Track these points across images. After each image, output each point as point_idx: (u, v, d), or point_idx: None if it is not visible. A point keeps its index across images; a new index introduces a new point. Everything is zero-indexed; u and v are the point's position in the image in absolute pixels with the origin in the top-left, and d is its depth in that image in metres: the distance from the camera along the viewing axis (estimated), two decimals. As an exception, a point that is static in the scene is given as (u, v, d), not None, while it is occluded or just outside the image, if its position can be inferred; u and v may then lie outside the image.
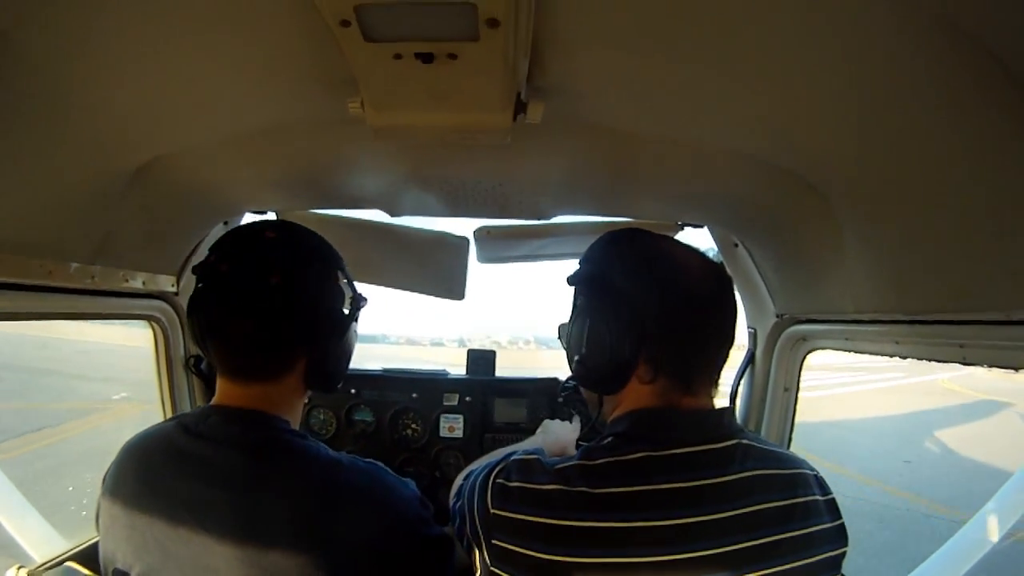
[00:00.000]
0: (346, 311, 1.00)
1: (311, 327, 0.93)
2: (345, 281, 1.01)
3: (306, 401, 1.09)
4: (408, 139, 0.96)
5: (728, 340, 0.89)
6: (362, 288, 1.07)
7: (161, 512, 0.84)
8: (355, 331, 1.04)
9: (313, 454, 0.90)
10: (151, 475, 0.88)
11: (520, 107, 0.86)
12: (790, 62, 0.74)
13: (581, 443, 0.89)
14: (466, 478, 0.98)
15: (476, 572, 0.89)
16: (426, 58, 0.71)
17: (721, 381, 0.93)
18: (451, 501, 1.00)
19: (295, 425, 0.98)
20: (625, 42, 0.76)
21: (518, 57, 0.73)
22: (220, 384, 0.95)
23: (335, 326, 0.97)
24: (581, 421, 2.01)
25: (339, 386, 1.06)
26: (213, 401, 0.95)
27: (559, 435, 1.59)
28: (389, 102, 0.85)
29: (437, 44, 0.70)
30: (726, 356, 0.90)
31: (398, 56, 0.72)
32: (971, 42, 0.60)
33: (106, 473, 0.94)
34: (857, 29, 0.65)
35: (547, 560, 0.78)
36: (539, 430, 1.61)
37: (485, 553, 0.85)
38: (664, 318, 0.84)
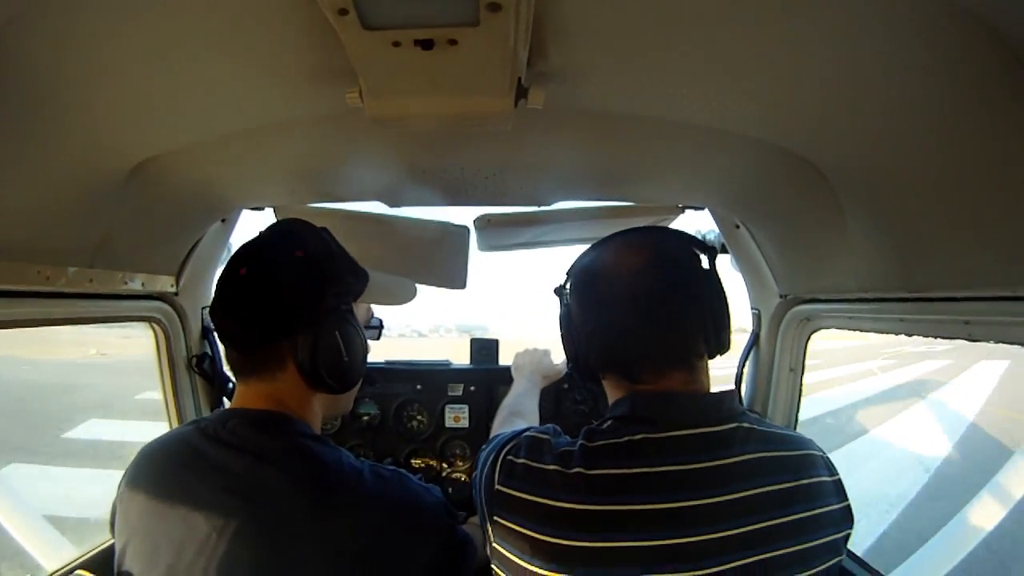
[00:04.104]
0: (333, 301, 0.96)
1: (285, 316, 0.91)
2: (341, 270, 1.00)
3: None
4: (408, 127, 0.94)
5: (677, 326, 0.89)
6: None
7: (179, 519, 0.83)
8: (351, 324, 0.98)
9: (335, 463, 0.89)
10: (169, 481, 0.88)
11: (521, 92, 0.85)
12: (790, 42, 0.73)
13: (591, 420, 0.90)
14: (486, 445, 1.00)
15: (486, 547, 0.90)
16: (426, 45, 0.70)
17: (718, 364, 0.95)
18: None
19: (316, 428, 0.98)
20: (626, 25, 0.74)
21: (519, 42, 0.71)
22: (236, 387, 0.98)
23: (316, 315, 0.93)
24: (588, 403, 2.05)
25: (347, 386, 1.01)
26: (232, 404, 0.96)
27: (533, 364, 1.72)
28: (388, 91, 0.83)
29: (437, 30, 0.68)
30: (689, 339, 0.90)
31: (397, 43, 0.70)
32: (971, 16, 0.59)
33: (122, 477, 0.93)
34: (856, 7, 0.64)
35: (543, 541, 0.78)
36: (513, 372, 1.74)
37: (489, 528, 0.86)
38: (592, 324, 0.95)
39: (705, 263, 0.94)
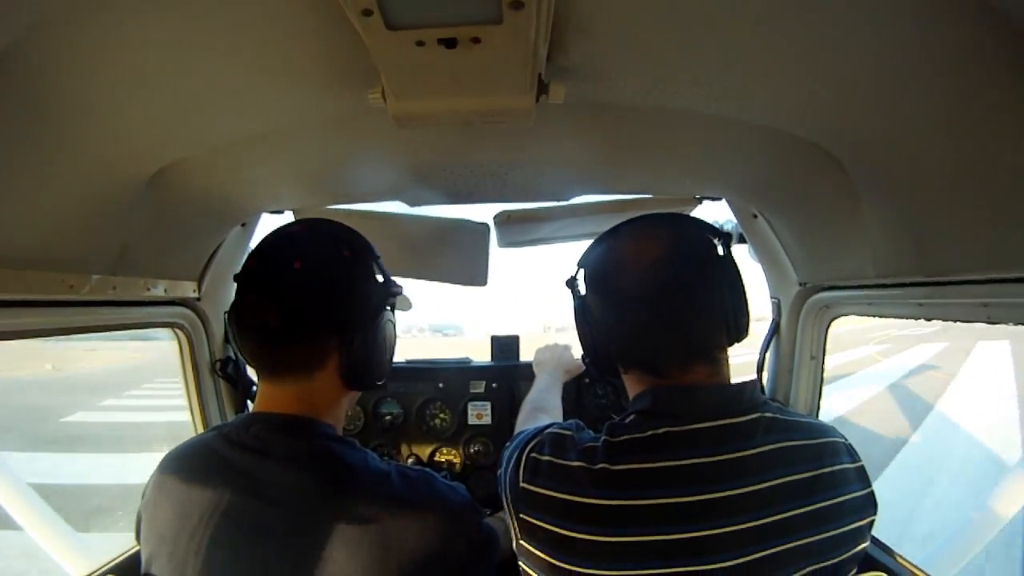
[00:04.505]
0: (378, 301, 0.98)
1: (338, 314, 0.92)
2: (378, 271, 1.00)
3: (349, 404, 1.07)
4: (430, 126, 0.95)
5: (701, 317, 0.89)
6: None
7: (205, 525, 0.84)
8: (391, 323, 1.02)
9: (362, 466, 0.89)
10: (194, 487, 0.87)
11: (542, 88, 0.85)
12: (806, 32, 0.73)
13: (613, 415, 0.91)
14: (510, 442, 1.01)
15: (512, 542, 0.90)
16: (449, 43, 0.70)
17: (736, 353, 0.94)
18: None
19: (340, 429, 0.98)
20: (644, 19, 0.75)
21: (540, 38, 0.72)
22: (260, 388, 0.96)
23: (365, 315, 0.95)
24: (610, 396, 2.06)
25: (380, 383, 1.03)
26: (254, 408, 0.95)
27: (554, 360, 1.74)
28: (412, 90, 0.84)
29: (460, 28, 0.69)
30: (712, 332, 0.89)
31: (420, 43, 0.71)
32: (986, 6, 0.59)
33: (147, 484, 0.94)
34: (870, 1, 0.64)
35: (570, 537, 0.79)
36: (535, 368, 1.75)
37: (515, 525, 0.87)
38: (614, 319, 0.94)
39: (720, 250, 0.93)
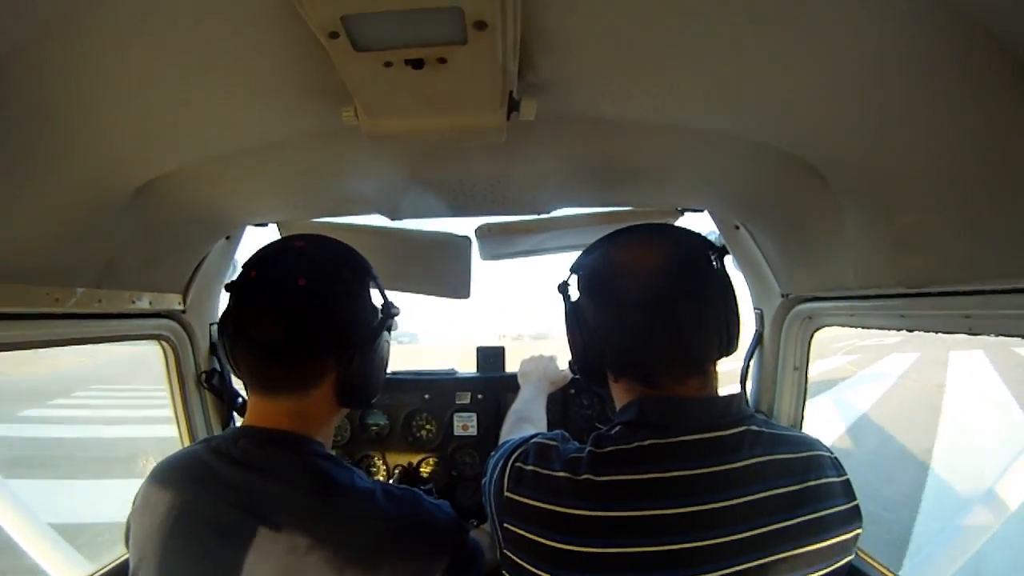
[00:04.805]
0: (376, 320, 0.99)
1: (340, 333, 0.92)
2: (376, 290, 1.01)
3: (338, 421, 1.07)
4: (404, 143, 0.96)
5: (696, 331, 0.88)
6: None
7: (193, 538, 0.84)
8: (388, 342, 1.02)
9: (348, 484, 0.89)
10: (182, 499, 0.88)
11: (513, 105, 0.86)
12: (785, 46, 0.74)
13: (598, 425, 0.91)
14: (495, 451, 1.01)
15: (496, 552, 0.90)
16: (416, 64, 0.71)
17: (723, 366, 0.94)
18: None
19: (328, 446, 0.98)
20: (614, 33, 0.75)
21: (508, 56, 0.73)
22: (251, 402, 0.95)
23: (365, 335, 0.95)
24: (595, 407, 2.06)
25: (371, 401, 1.04)
26: (245, 421, 0.96)
27: (539, 371, 1.74)
28: (383, 109, 0.85)
29: (426, 50, 0.70)
30: (706, 345, 0.89)
31: (388, 64, 0.72)
32: (967, 19, 0.60)
33: (136, 494, 0.94)
34: (851, 11, 0.65)
35: (553, 547, 0.79)
36: (520, 379, 1.74)
37: (499, 535, 0.87)
38: (610, 328, 0.93)
39: (715, 263, 0.93)
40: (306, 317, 0.90)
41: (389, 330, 1.04)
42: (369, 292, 1.00)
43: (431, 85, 0.77)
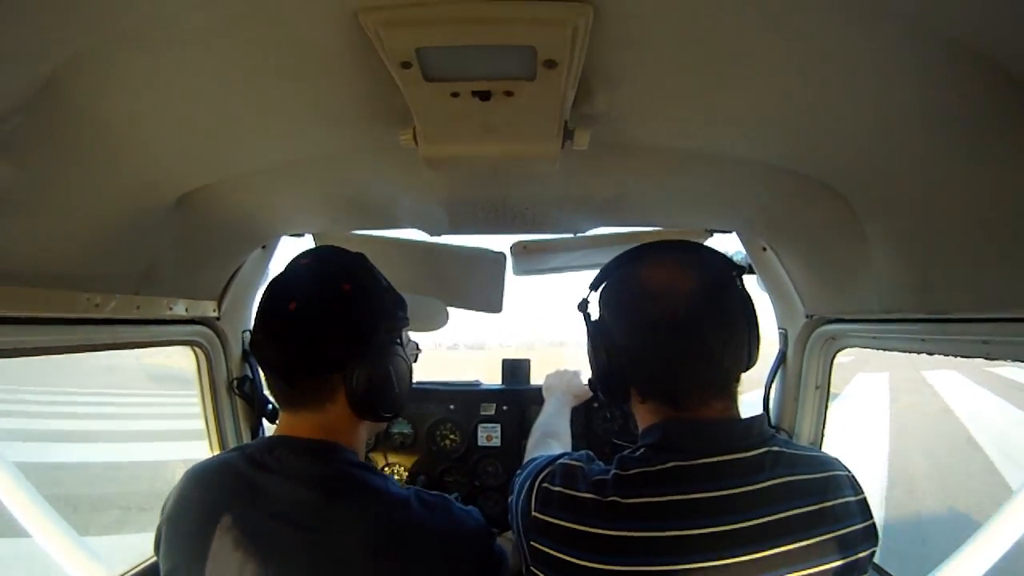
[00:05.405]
0: (384, 334, 0.97)
1: (336, 352, 0.91)
2: (386, 302, 1.00)
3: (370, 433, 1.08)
4: (457, 168, 0.98)
5: (725, 354, 0.88)
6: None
7: (225, 544, 0.85)
8: (400, 355, 1.00)
9: (382, 491, 0.91)
10: (215, 505, 0.89)
11: (567, 135, 0.89)
12: (816, 80, 0.77)
13: (617, 441, 0.92)
14: (521, 470, 1.02)
15: (522, 565, 0.92)
16: (484, 96, 0.74)
17: (747, 386, 0.95)
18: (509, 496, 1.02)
19: (361, 454, 0.99)
20: (665, 69, 0.78)
21: (568, 91, 0.76)
22: (281, 414, 0.98)
23: (367, 349, 0.93)
24: (618, 421, 2.08)
25: (395, 414, 1.04)
26: (277, 431, 0.97)
27: (563, 385, 1.75)
28: (443, 135, 0.88)
29: (495, 83, 0.73)
30: (733, 367, 0.90)
31: (455, 94, 0.75)
32: (985, 58, 0.63)
33: (167, 498, 0.95)
34: (878, 48, 0.68)
35: (580, 566, 0.81)
36: (544, 393, 1.76)
37: (526, 552, 0.89)
38: (640, 349, 0.92)
39: (738, 283, 0.95)
40: (299, 342, 0.91)
41: (400, 342, 1.02)
42: (373, 305, 0.97)
43: (494, 115, 0.80)
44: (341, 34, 0.68)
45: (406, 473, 2.13)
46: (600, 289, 1.01)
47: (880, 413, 12.05)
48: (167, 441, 9.27)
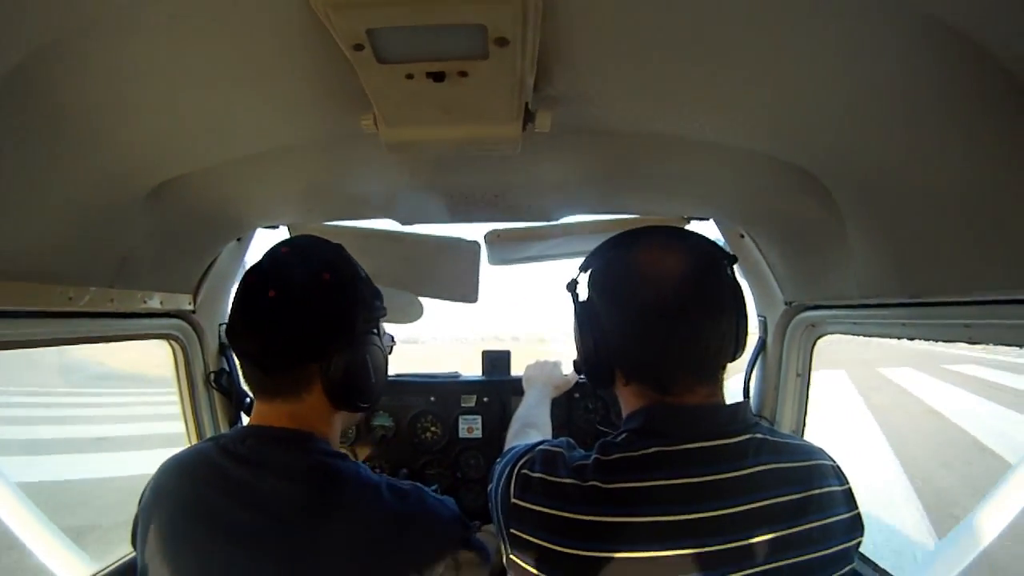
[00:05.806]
0: (360, 324, 0.97)
1: (314, 341, 0.91)
2: (364, 292, 0.99)
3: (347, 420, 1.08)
4: (420, 153, 0.97)
5: (714, 338, 0.88)
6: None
7: (201, 535, 0.85)
8: (376, 346, 1.00)
9: (354, 478, 0.90)
10: (191, 497, 0.89)
11: (529, 117, 0.88)
12: (792, 62, 0.76)
13: (601, 428, 0.91)
14: (500, 458, 1.01)
15: (502, 556, 0.91)
16: (437, 77, 0.73)
17: (729, 372, 0.94)
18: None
19: (334, 444, 0.99)
20: (628, 48, 0.77)
21: (526, 71, 0.75)
22: (256, 404, 0.97)
23: (345, 339, 0.94)
24: (599, 411, 2.07)
25: (371, 405, 1.03)
26: (251, 420, 0.97)
27: (544, 376, 1.74)
28: (402, 119, 0.87)
29: (448, 63, 0.72)
30: (720, 353, 0.89)
31: (410, 76, 0.74)
32: (962, 36, 0.62)
33: (143, 491, 0.95)
34: (854, 28, 0.67)
35: (560, 552, 0.80)
36: (524, 384, 1.75)
37: (505, 540, 0.88)
38: (627, 332, 0.91)
39: (728, 270, 0.94)
40: (276, 330, 0.90)
41: (377, 333, 1.03)
42: (352, 295, 0.97)
43: (450, 97, 0.79)
44: (294, 19, 0.67)
45: (387, 466, 2.12)
46: (589, 271, 1.00)
47: (857, 412, 11.37)
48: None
